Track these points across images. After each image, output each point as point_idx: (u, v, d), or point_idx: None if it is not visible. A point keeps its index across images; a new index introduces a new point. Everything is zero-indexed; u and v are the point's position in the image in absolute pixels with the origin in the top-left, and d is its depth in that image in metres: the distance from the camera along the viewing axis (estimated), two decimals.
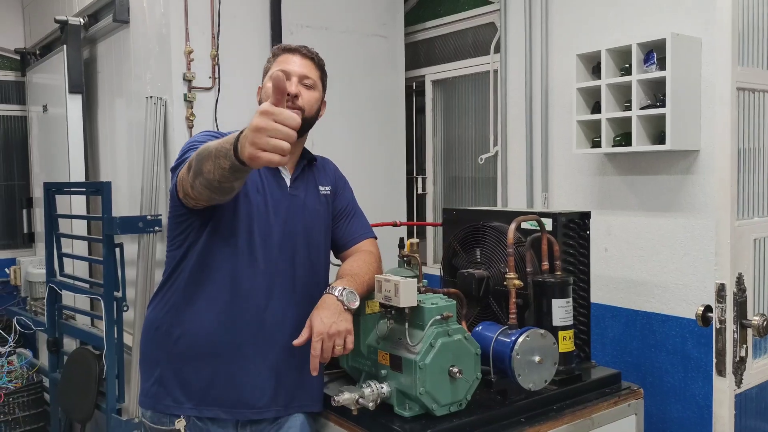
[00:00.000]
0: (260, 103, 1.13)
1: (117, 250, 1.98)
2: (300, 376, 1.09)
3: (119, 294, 2.00)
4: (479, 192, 2.38)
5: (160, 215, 1.96)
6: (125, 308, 2.01)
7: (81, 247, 2.44)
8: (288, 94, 1.08)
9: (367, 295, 1.12)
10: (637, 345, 1.76)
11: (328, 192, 1.19)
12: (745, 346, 1.14)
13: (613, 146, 1.69)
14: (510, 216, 1.22)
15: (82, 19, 2.44)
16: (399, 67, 2.43)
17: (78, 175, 2.46)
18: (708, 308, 1.13)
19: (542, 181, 2.00)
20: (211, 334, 1.07)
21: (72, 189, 2.38)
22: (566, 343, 1.18)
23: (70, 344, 2.36)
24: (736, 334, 1.12)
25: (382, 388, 1.04)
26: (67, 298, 2.36)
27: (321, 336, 0.98)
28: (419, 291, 1.10)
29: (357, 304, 1.05)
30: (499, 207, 2.14)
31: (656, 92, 1.62)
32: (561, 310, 1.18)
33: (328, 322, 0.99)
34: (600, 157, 1.84)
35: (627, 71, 1.64)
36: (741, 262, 1.14)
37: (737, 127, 1.13)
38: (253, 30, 2.06)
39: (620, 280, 1.79)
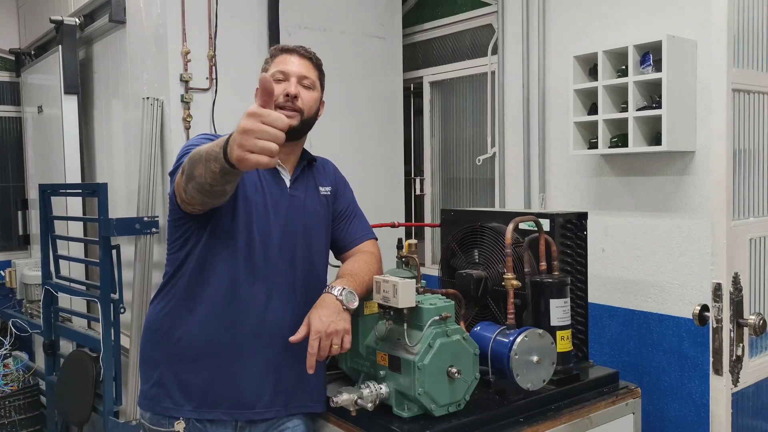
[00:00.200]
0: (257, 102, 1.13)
1: (113, 251, 1.98)
2: (300, 377, 1.09)
3: (116, 296, 1.99)
4: (477, 193, 2.38)
5: (157, 217, 1.95)
6: (122, 310, 2.00)
7: (77, 249, 2.42)
8: (287, 95, 1.08)
9: (366, 296, 1.12)
10: (634, 344, 1.77)
11: (329, 193, 1.19)
12: (741, 344, 1.14)
13: (609, 147, 1.70)
14: (508, 217, 1.23)
15: (77, 19, 2.42)
16: (397, 69, 2.43)
17: (74, 176, 2.44)
18: (705, 308, 1.14)
19: (539, 182, 2.00)
20: (211, 335, 1.06)
21: (68, 190, 2.36)
22: (564, 342, 1.19)
23: (66, 347, 2.35)
24: (732, 333, 1.13)
25: (381, 388, 1.04)
26: (64, 300, 2.35)
27: (318, 334, 0.98)
28: (418, 291, 1.10)
29: (356, 304, 1.05)
30: (496, 208, 2.15)
31: (652, 94, 1.63)
32: (559, 310, 1.19)
33: (327, 321, 0.99)
34: (597, 158, 1.85)
35: (623, 73, 1.65)
36: (737, 262, 1.15)
37: (733, 129, 1.14)
38: (251, 31, 2.06)
39: (617, 280, 1.80)
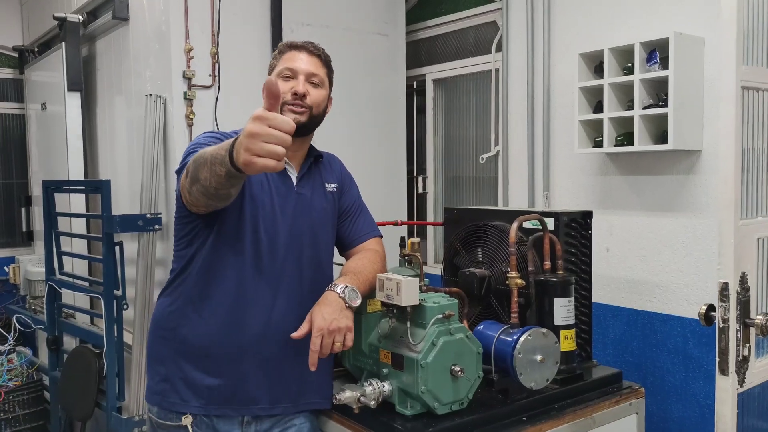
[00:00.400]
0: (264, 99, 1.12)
1: (117, 248, 1.98)
2: (307, 374, 1.09)
3: (119, 292, 1.99)
4: (480, 191, 2.37)
5: (160, 213, 1.95)
6: (125, 307, 2.01)
7: (80, 246, 2.43)
8: (295, 94, 1.07)
9: (369, 294, 1.11)
10: (638, 344, 1.76)
11: (335, 189, 1.18)
12: (748, 345, 1.13)
13: (615, 146, 1.68)
14: (511, 215, 1.22)
15: (80, 16, 2.42)
16: (400, 66, 2.42)
17: (77, 173, 2.45)
18: (711, 307, 1.13)
19: (544, 180, 1.99)
20: (218, 334, 1.06)
21: (71, 187, 2.37)
22: (568, 342, 1.18)
23: (69, 342, 2.36)
24: (739, 333, 1.12)
25: (384, 386, 1.04)
26: (67, 296, 2.35)
27: (321, 332, 0.98)
28: (421, 290, 1.09)
29: (359, 302, 1.05)
30: (500, 206, 2.14)
31: (659, 92, 1.62)
32: (563, 310, 1.18)
33: (329, 318, 0.99)
34: (602, 156, 1.84)
35: (629, 70, 1.63)
36: (744, 262, 1.14)
37: (741, 127, 1.13)
38: (254, 28, 2.05)
39: (622, 279, 1.79)
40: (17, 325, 2.66)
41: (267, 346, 1.07)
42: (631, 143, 1.64)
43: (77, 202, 2.44)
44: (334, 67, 1.17)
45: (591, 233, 1.31)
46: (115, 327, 1.97)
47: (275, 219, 1.08)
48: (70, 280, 2.28)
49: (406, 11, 2.44)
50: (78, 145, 2.46)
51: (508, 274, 1.16)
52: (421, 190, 2.57)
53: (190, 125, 1.94)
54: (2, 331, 2.81)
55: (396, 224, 1.65)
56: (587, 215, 1.31)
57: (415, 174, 2.59)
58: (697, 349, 1.63)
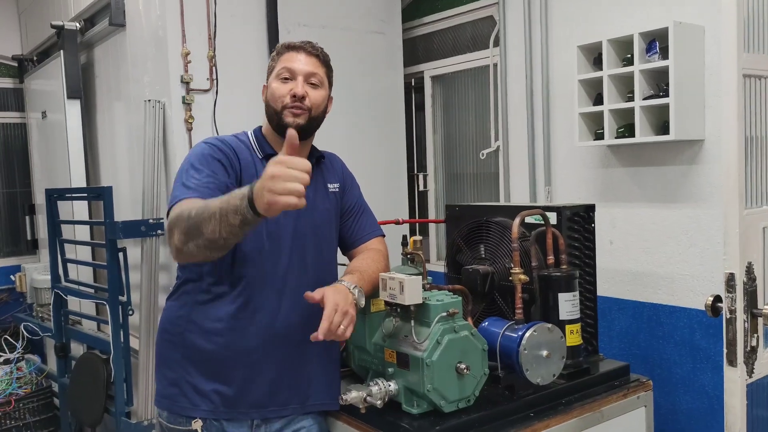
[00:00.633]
0: (266, 101, 1.12)
1: (120, 254, 1.98)
2: (314, 375, 1.10)
3: (124, 298, 2.00)
4: (481, 188, 2.36)
5: (162, 219, 1.95)
6: (131, 312, 2.01)
7: (85, 252, 2.44)
8: (294, 96, 1.07)
9: (374, 293, 1.11)
10: (644, 337, 1.75)
11: (337, 189, 1.18)
12: (756, 335, 1.12)
13: (616, 138, 1.67)
14: (513, 211, 1.21)
15: (78, 24, 2.43)
16: (397, 64, 2.41)
17: (79, 180, 2.46)
18: (717, 298, 1.12)
19: (545, 174, 1.98)
20: (225, 340, 1.07)
21: (73, 195, 2.38)
22: (573, 336, 1.18)
23: (77, 349, 2.37)
24: (746, 323, 1.11)
25: (390, 385, 1.04)
26: (73, 303, 2.37)
27: (336, 306, 0.97)
28: (424, 288, 1.09)
29: (363, 303, 1.05)
30: (502, 202, 2.13)
31: (659, 82, 1.60)
32: (567, 304, 1.17)
33: (341, 301, 0.99)
34: (603, 149, 1.83)
35: (629, 61, 1.62)
36: (750, 251, 1.13)
37: (744, 115, 1.12)
38: (250, 29, 2.05)
39: (626, 272, 1.78)
40: (25, 333, 2.68)
41: (274, 348, 1.07)
42: (632, 135, 1.62)
43: (80, 209, 2.45)
44: (332, 67, 1.17)
45: (594, 226, 1.30)
46: (122, 332, 1.99)
47: (278, 222, 1.08)
48: (76, 287, 2.29)
49: (402, 8, 2.42)
50: (79, 152, 2.47)
51: (511, 270, 1.15)
52: (421, 188, 2.57)
53: (189, 129, 1.95)
54: (10, 339, 2.83)
55: (397, 223, 1.64)
56: (590, 208, 1.30)
57: (415, 172, 2.58)
58: (704, 340, 1.62)
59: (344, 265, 1.21)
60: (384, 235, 1.24)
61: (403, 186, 2.44)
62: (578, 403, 1.13)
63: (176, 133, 1.93)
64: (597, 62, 1.72)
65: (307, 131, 1.10)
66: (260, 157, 1.10)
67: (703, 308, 1.14)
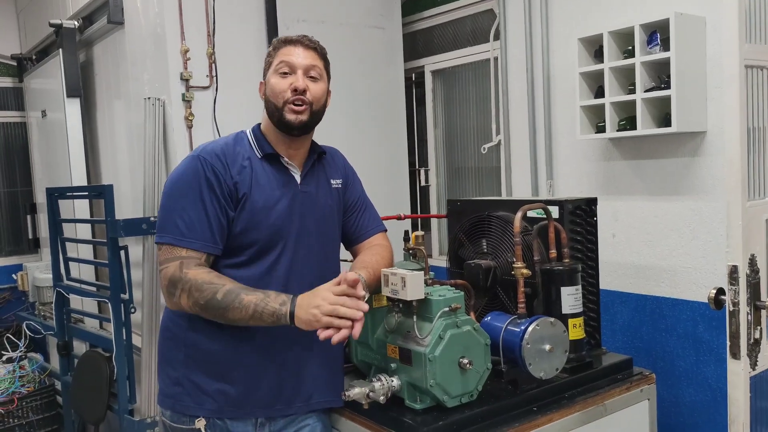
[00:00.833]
0: (265, 97, 1.11)
1: (122, 252, 1.98)
2: (318, 373, 1.10)
3: (126, 296, 2.00)
4: (483, 182, 2.36)
5: None
6: (133, 310, 2.02)
7: (86, 251, 2.44)
8: (295, 90, 1.06)
9: (376, 289, 1.11)
10: (647, 330, 1.75)
11: (340, 185, 1.18)
12: (759, 328, 1.12)
13: (617, 131, 1.67)
14: (515, 205, 1.21)
15: (76, 22, 2.42)
16: (398, 59, 2.40)
17: (80, 179, 2.45)
18: (720, 291, 1.12)
19: (547, 168, 1.98)
20: (227, 339, 1.06)
21: (74, 193, 2.37)
22: (576, 330, 1.18)
23: (80, 347, 2.38)
24: (749, 316, 1.11)
25: (393, 381, 1.04)
26: (75, 301, 2.37)
27: (357, 282, 0.98)
28: (426, 283, 1.09)
29: (367, 297, 1.04)
30: (503, 196, 2.12)
31: (660, 74, 1.59)
32: (570, 298, 1.17)
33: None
34: (605, 142, 1.82)
35: (630, 54, 1.61)
36: (753, 243, 1.13)
37: (746, 106, 1.11)
38: (249, 25, 2.04)
39: (628, 265, 1.78)
40: (27, 331, 2.69)
41: (279, 347, 1.07)
42: (633, 127, 1.62)
43: (81, 207, 2.45)
44: (332, 63, 1.16)
45: (596, 220, 1.30)
46: (124, 330, 1.99)
47: (282, 219, 1.07)
48: (78, 285, 2.29)
49: (401, 3, 2.41)
50: (79, 150, 2.46)
51: (513, 265, 1.15)
52: (423, 183, 2.56)
53: (189, 127, 1.94)
54: (13, 337, 2.83)
55: (399, 218, 1.64)
56: (592, 202, 1.30)
57: (417, 167, 2.58)
58: (707, 332, 1.61)
59: (345, 260, 1.21)
60: (386, 230, 1.24)
61: (404, 181, 2.44)
62: (581, 397, 1.13)
63: (176, 130, 1.92)
64: (598, 55, 1.71)
65: (308, 126, 1.10)
66: (259, 156, 1.09)
67: (706, 301, 1.14)
